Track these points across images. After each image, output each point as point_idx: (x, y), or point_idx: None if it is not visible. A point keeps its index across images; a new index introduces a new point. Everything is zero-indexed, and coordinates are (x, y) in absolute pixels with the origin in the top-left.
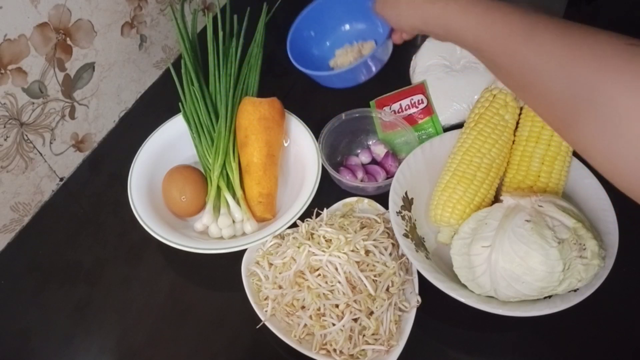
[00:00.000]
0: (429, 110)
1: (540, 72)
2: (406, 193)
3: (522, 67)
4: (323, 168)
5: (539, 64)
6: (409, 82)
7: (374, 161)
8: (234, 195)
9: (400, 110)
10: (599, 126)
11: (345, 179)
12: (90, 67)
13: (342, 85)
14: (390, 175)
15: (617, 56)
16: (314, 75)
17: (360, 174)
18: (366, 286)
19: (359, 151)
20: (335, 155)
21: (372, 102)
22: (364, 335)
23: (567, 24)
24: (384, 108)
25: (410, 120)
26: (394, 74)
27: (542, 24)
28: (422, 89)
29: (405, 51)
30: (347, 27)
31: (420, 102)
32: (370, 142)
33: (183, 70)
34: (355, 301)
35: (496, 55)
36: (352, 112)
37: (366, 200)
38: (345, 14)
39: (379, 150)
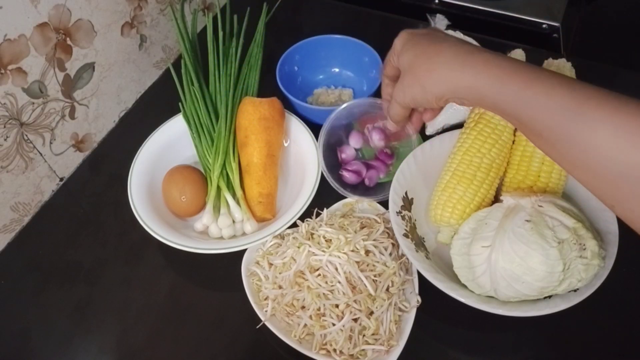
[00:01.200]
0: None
1: (594, 153)
2: (406, 193)
3: (571, 145)
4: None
5: (593, 144)
6: None
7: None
8: (234, 195)
9: (384, 126)
10: None
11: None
12: (90, 67)
13: (318, 120)
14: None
15: None
16: (296, 103)
17: (363, 172)
18: (366, 286)
19: (347, 142)
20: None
21: (354, 123)
22: (364, 335)
23: (621, 100)
24: (367, 125)
25: (394, 136)
26: None
27: (594, 101)
28: None
29: None
30: (337, 70)
31: None
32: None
33: (183, 70)
34: (355, 301)
35: (541, 129)
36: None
37: (366, 200)
38: (340, 57)
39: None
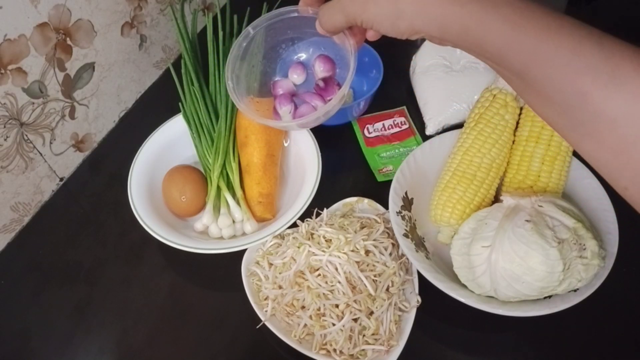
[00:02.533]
0: (410, 131)
1: (623, 127)
2: (406, 193)
3: (595, 114)
4: (323, 168)
5: (625, 118)
6: (408, 83)
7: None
8: (234, 195)
9: (383, 129)
10: None
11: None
12: (90, 67)
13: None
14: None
15: None
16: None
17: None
18: (366, 286)
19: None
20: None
21: (354, 122)
22: (364, 335)
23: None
24: (367, 126)
25: (395, 137)
26: (394, 74)
27: (629, 64)
28: (403, 113)
29: (405, 51)
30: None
31: (402, 123)
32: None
33: (183, 70)
34: (355, 301)
35: (555, 90)
36: (261, 22)
37: (366, 200)
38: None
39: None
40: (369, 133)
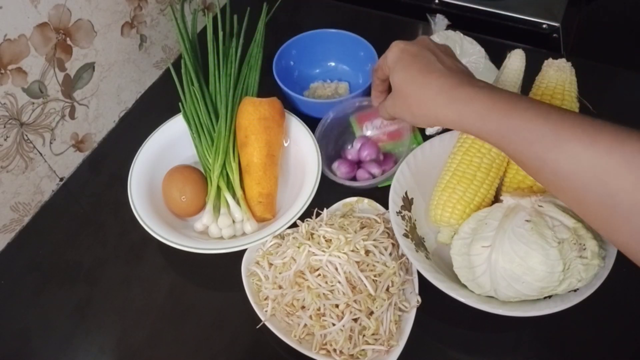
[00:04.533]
0: (409, 128)
1: (574, 180)
2: (406, 193)
3: (553, 173)
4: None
5: (572, 172)
6: None
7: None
8: (234, 195)
9: (381, 125)
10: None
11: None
12: (90, 67)
13: (315, 113)
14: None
15: None
16: (292, 97)
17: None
18: (366, 286)
19: (351, 145)
20: (329, 152)
21: (351, 118)
22: (364, 335)
23: (594, 124)
24: (365, 123)
25: (392, 136)
26: None
27: (569, 129)
28: None
29: None
30: (333, 64)
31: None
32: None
33: (183, 70)
34: (355, 301)
35: (523, 158)
36: (339, 108)
37: (366, 200)
38: (336, 52)
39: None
40: (367, 130)
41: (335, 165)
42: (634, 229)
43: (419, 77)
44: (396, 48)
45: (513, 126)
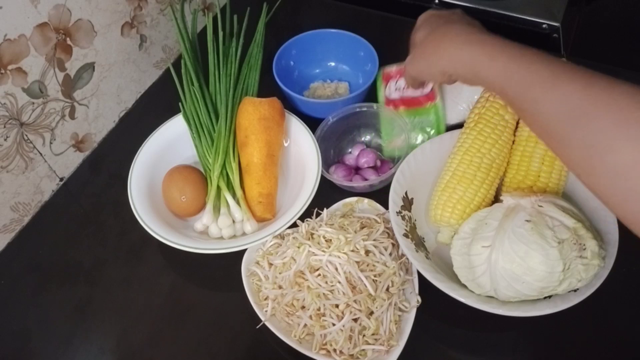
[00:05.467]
0: (433, 95)
1: (562, 121)
2: (406, 193)
3: (545, 115)
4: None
5: (561, 113)
6: None
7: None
8: (234, 195)
9: (404, 89)
10: (612, 179)
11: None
12: (90, 67)
13: (315, 113)
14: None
15: (634, 110)
16: (292, 97)
17: (352, 173)
18: (366, 286)
19: (350, 150)
20: (329, 155)
21: (379, 73)
22: (364, 335)
23: (592, 75)
24: (390, 82)
25: (413, 102)
26: None
27: (566, 75)
28: None
29: (405, 51)
30: (333, 64)
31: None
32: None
33: (183, 70)
34: (355, 301)
35: (521, 102)
36: (339, 113)
37: (366, 200)
38: (336, 52)
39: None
40: (391, 92)
41: (332, 169)
42: (609, 169)
43: (441, 28)
44: (426, 12)
45: (517, 68)
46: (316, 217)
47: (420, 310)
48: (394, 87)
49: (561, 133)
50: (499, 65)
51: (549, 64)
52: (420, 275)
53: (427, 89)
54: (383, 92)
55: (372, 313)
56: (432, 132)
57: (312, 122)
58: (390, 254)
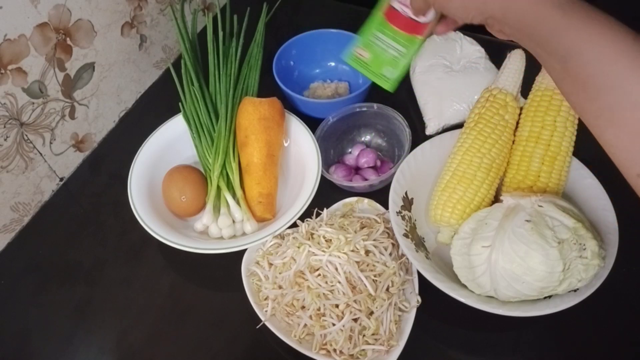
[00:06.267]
0: (423, 29)
1: (595, 77)
2: (406, 193)
3: (623, 96)
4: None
5: (596, 71)
6: (409, 83)
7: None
8: (234, 195)
9: (405, 7)
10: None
11: (337, 177)
12: (90, 67)
13: (315, 113)
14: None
15: None
16: (293, 97)
17: (352, 174)
18: (366, 286)
19: (350, 150)
20: (329, 155)
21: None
22: (364, 335)
23: (633, 34)
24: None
25: (404, 23)
26: None
27: (606, 29)
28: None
29: None
30: (333, 64)
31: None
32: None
33: (183, 70)
34: (355, 301)
35: (592, 74)
36: (339, 113)
37: (366, 200)
38: (336, 51)
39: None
40: (399, 1)
41: (332, 169)
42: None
43: None
44: None
45: (599, 33)
46: (316, 217)
47: (420, 310)
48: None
49: (590, 89)
50: (576, 24)
51: (588, 14)
52: (420, 275)
53: (427, 18)
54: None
55: (372, 313)
56: (396, 62)
57: (312, 122)
58: (390, 254)
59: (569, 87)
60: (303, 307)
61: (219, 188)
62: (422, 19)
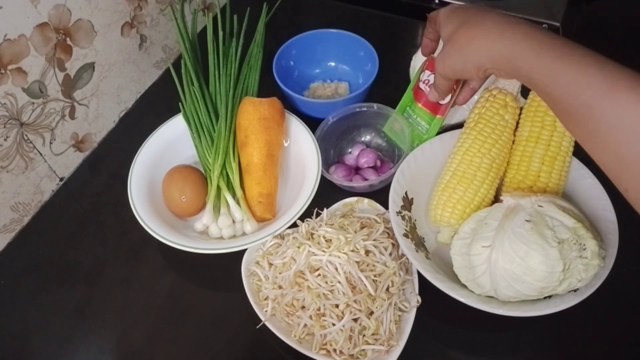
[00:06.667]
0: (444, 110)
1: (619, 132)
2: (406, 193)
3: (598, 123)
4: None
5: (620, 124)
6: (408, 81)
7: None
8: (234, 195)
9: (429, 83)
10: None
11: (337, 177)
12: (90, 67)
13: (315, 113)
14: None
15: None
16: (293, 97)
17: (352, 174)
18: (366, 286)
19: (350, 150)
20: (329, 155)
21: (413, 59)
22: (364, 335)
23: None
24: (428, 70)
25: (431, 104)
26: (394, 73)
27: (624, 82)
28: (458, 83)
29: (405, 51)
30: (333, 64)
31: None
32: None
33: (183, 70)
34: (355, 301)
35: (569, 105)
36: (339, 113)
37: (366, 200)
38: (336, 51)
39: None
40: (424, 82)
41: (332, 169)
42: None
43: (473, 17)
44: (446, 9)
45: (568, 68)
46: (316, 217)
47: (420, 310)
48: (427, 78)
49: (616, 144)
50: (546, 62)
51: (603, 67)
52: (420, 275)
53: (446, 100)
54: (419, 76)
55: (372, 313)
56: (421, 137)
57: (312, 122)
58: (390, 254)
59: (560, 115)
60: (303, 307)
61: (219, 188)
62: (442, 101)
